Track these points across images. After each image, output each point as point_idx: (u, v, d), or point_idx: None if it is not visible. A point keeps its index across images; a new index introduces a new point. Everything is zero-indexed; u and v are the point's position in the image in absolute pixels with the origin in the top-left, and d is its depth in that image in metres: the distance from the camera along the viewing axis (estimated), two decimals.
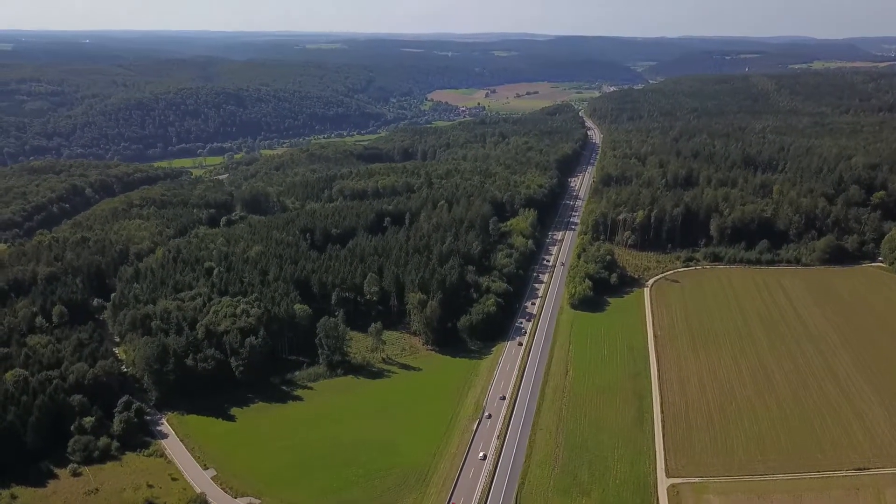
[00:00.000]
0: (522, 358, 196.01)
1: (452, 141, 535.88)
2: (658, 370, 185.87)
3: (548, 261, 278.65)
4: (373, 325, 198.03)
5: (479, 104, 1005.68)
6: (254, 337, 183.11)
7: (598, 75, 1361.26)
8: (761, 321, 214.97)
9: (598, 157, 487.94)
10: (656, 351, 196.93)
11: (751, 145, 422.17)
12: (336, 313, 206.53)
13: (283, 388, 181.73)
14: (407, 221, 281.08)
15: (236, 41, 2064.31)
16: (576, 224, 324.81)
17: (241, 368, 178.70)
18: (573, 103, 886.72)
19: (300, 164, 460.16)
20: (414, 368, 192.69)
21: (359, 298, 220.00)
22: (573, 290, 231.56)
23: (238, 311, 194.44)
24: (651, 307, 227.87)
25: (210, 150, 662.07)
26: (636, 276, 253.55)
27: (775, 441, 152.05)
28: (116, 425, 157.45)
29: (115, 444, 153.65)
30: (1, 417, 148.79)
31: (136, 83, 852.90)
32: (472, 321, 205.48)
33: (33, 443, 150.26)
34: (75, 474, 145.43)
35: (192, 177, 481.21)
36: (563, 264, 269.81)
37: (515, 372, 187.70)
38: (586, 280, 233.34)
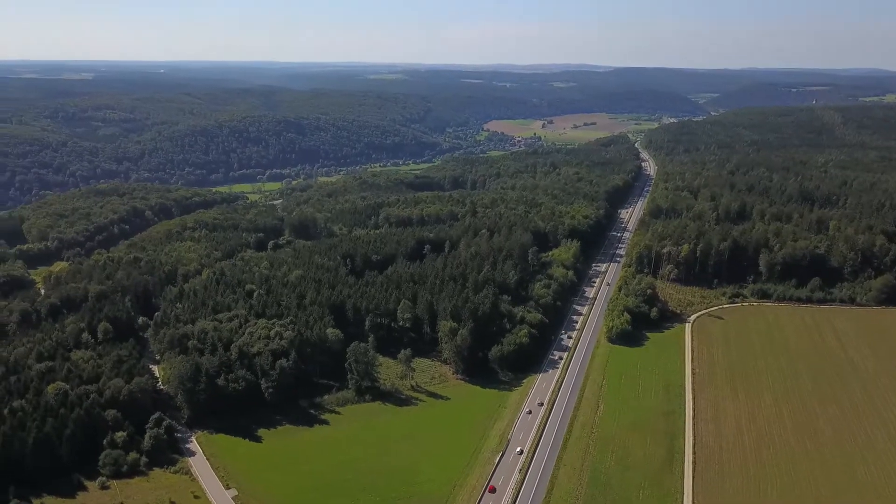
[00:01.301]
0: (553, 391, 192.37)
1: (503, 170, 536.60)
2: (693, 409, 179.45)
3: (589, 293, 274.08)
4: (402, 351, 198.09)
5: (535, 134, 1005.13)
6: (285, 359, 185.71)
7: (658, 107, 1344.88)
8: (808, 363, 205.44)
9: (650, 188, 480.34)
10: (693, 389, 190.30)
11: (810, 179, 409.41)
12: (370, 338, 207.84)
13: (311, 411, 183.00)
14: (446, 249, 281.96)
15: (301, 72, 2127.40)
16: (621, 256, 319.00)
17: (271, 390, 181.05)
18: (630, 135, 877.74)
19: (352, 192, 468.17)
20: (442, 397, 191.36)
21: (392, 324, 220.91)
22: (611, 324, 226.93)
23: (272, 333, 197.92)
24: (691, 343, 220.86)
25: (269, 177, 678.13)
26: (678, 311, 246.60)
27: (814, 489, 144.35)
28: (146, 441, 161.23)
29: (144, 459, 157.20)
30: (39, 428, 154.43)
31: (202, 111, 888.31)
32: (504, 352, 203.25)
33: (68, 454, 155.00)
34: (103, 487, 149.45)
35: (248, 202, 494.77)
36: (604, 297, 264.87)
37: (545, 405, 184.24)
38: (625, 314, 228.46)
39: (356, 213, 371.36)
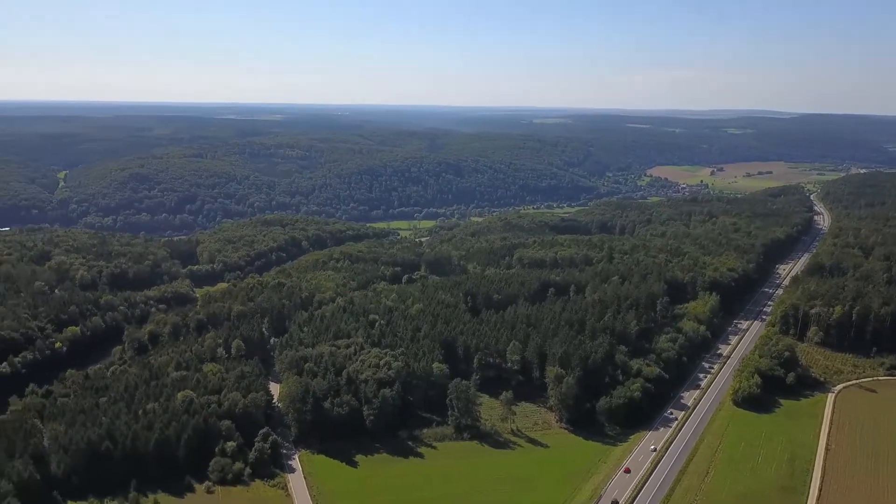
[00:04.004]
0: (661, 450, 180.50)
1: (654, 217, 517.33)
2: (820, 489, 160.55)
3: (723, 350, 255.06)
4: (504, 393, 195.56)
5: (701, 182, 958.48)
6: (389, 388, 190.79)
7: (847, 156, 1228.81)
8: None
9: (818, 243, 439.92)
10: (824, 466, 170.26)
11: None
12: (474, 377, 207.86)
13: (409, 443, 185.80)
14: (571, 293, 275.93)
15: (470, 115, 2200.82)
16: (768, 314, 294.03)
17: (372, 417, 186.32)
18: (809, 185, 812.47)
19: (494, 232, 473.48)
20: (541, 444, 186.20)
21: (502, 365, 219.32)
22: (737, 386, 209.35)
23: (381, 362, 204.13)
24: (831, 416, 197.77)
25: (426, 215, 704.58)
26: (822, 379, 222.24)
27: None
28: (252, 453, 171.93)
29: (248, 470, 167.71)
30: (162, 430, 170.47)
31: (370, 151, 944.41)
32: (613, 404, 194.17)
33: (183, 457, 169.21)
34: (209, 492, 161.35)
35: (398, 237, 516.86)
36: (738, 356, 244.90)
37: (647, 464, 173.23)
38: (755, 376, 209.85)
39: (491, 252, 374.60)
